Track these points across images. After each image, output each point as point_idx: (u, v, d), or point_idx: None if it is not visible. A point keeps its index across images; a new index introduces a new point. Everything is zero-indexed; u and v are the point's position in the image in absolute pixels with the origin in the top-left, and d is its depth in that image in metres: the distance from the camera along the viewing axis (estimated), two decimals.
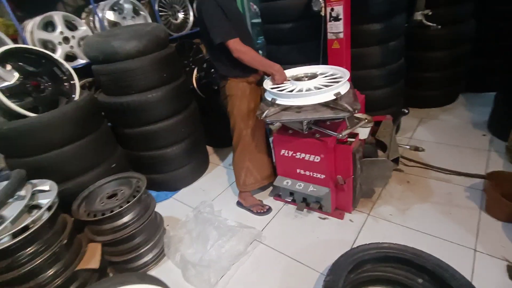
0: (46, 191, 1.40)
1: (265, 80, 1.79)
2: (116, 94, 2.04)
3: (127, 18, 2.54)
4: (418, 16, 1.74)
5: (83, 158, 1.74)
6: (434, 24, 1.76)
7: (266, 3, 2.47)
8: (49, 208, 1.31)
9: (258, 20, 3.79)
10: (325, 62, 2.09)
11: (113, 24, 2.49)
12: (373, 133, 1.98)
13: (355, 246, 1.64)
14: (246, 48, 1.62)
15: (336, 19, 1.92)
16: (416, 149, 1.92)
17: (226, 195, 2.28)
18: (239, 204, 2.13)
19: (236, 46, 1.59)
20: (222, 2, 1.56)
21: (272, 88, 1.67)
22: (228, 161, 2.72)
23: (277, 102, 1.57)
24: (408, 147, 1.95)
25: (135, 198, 1.56)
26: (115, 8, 2.49)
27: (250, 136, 1.87)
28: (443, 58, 2.74)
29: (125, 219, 1.57)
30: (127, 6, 2.52)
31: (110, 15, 2.43)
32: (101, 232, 1.53)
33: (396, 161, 1.77)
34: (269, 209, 2.02)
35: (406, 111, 1.61)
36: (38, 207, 1.33)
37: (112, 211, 1.50)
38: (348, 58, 2.07)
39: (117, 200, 1.60)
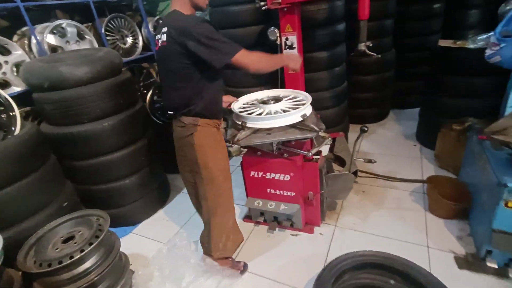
0: None
1: (233, 103, 1.83)
2: (64, 124, 1.84)
3: (71, 42, 2.35)
4: (362, 46, 2.02)
5: (27, 199, 1.50)
6: (375, 54, 2.06)
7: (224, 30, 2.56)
8: None
9: None
10: (282, 85, 2.24)
11: (54, 48, 2.27)
12: (330, 149, 2.16)
13: (328, 258, 1.73)
14: (257, 55, 1.36)
15: (291, 47, 2.11)
16: (369, 161, 2.15)
17: (194, 223, 2.18)
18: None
19: (249, 57, 1.33)
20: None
21: (240, 112, 1.71)
22: None
23: (247, 125, 1.61)
24: (362, 160, 2.17)
25: (99, 239, 1.39)
26: (56, 31, 2.28)
27: (229, 190, 1.62)
28: (374, 81, 3.19)
29: (87, 264, 1.37)
30: (71, 30, 2.33)
31: (51, 39, 2.21)
32: (58, 284, 1.31)
33: (355, 173, 1.95)
34: (245, 265, 1.76)
35: (366, 129, 1.81)
36: None
37: (72, 257, 1.31)
38: (303, 82, 2.26)
39: (75, 243, 1.40)
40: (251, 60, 1.34)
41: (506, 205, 1.35)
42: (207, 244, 1.66)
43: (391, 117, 3.54)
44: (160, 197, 2.41)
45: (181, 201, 2.46)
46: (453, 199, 1.82)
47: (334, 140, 2.27)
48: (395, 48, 3.25)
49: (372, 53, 1.95)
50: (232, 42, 1.31)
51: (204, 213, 1.62)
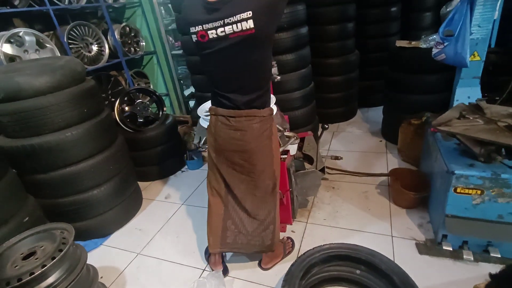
0: None
1: (200, 107, 1.84)
2: (23, 136, 1.77)
3: (30, 51, 2.27)
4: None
5: None
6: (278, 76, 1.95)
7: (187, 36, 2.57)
8: None
9: (177, 52, 3.86)
10: None
11: (11, 58, 2.18)
12: (299, 148, 2.22)
13: (300, 254, 1.77)
14: None
15: None
16: (336, 158, 2.24)
17: (167, 230, 2.16)
18: (264, 268, 1.72)
19: None
20: None
21: (206, 116, 1.73)
22: (164, 193, 2.60)
23: None
24: (329, 157, 2.25)
25: (62, 252, 1.35)
26: (12, 40, 2.20)
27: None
28: (340, 82, 3.32)
29: (50, 279, 1.32)
30: (29, 39, 2.25)
31: (8, 48, 2.13)
32: None
33: (322, 170, 2.03)
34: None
35: (326, 126, 1.89)
36: None
37: (32, 274, 1.26)
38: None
39: (36, 259, 1.35)
40: None
41: (455, 191, 1.46)
42: (270, 241, 1.56)
43: (358, 115, 3.69)
44: (132, 206, 2.36)
45: (154, 209, 2.43)
46: (415, 190, 1.94)
47: (303, 139, 2.34)
48: (358, 50, 3.41)
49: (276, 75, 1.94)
50: None
51: (265, 210, 1.53)
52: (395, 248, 1.72)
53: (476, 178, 1.41)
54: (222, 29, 1.18)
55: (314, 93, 2.95)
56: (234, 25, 1.15)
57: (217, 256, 1.67)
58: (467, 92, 1.89)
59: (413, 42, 2.53)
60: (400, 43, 2.60)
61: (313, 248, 1.48)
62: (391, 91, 2.70)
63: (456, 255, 1.58)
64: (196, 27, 1.23)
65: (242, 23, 1.14)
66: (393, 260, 1.60)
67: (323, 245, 1.50)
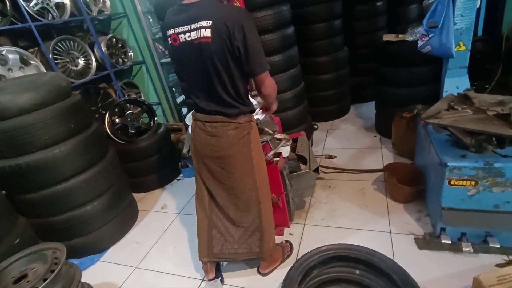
0: None
1: (187, 116, 1.82)
2: (10, 156, 1.73)
3: (14, 69, 2.24)
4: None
5: None
6: None
7: None
8: None
9: (167, 60, 3.84)
10: None
11: None
12: (293, 149, 2.20)
13: (299, 256, 1.74)
14: (273, 80, 1.33)
15: None
16: (330, 157, 2.22)
17: (164, 241, 2.13)
18: (263, 273, 1.69)
19: (270, 80, 1.30)
20: None
21: None
22: (160, 204, 2.57)
23: None
24: (323, 156, 2.23)
25: (54, 273, 1.32)
26: None
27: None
28: (331, 79, 3.31)
29: None
30: (12, 56, 2.23)
31: None
32: None
33: (316, 170, 2.01)
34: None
35: (316, 127, 1.87)
36: None
37: None
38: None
39: (28, 282, 1.32)
40: (272, 83, 1.31)
41: (449, 183, 1.45)
42: (258, 248, 1.53)
43: (352, 112, 3.68)
44: (127, 219, 2.33)
45: (151, 220, 2.40)
46: (410, 184, 1.92)
47: (296, 140, 2.32)
48: (347, 46, 3.40)
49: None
50: (264, 57, 1.23)
51: (249, 219, 1.50)
52: (394, 245, 1.70)
53: (469, 169, 1.39)
54: (189, 34, 1.19)
55: (305, 92, 2.93)
56: (198, 31, 1.16)
57: (208, 265, 1.64)
58: (455, 83, 1.88)
59: (400, 36, 2.53)
60: (387, 37, 2.59)
61: (310, 251, 1.46)
62: (381, 86, 2.69)
63: (455, 247, 1.56)
64: (170, 30, 1.25)
65: (201, 30, 1.15)
66: (392, 257, 1.59)
67: (321, 247, 1.47)
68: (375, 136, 2.97)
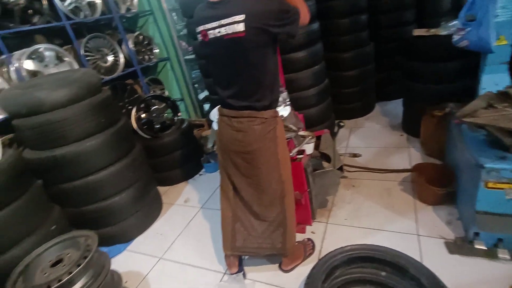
0: None
1: (212, 111, 1.84)
2: (46, 148, 1.84)
3: (50, 66, 2.36)
4: None
5: (11, 229, 1.50)
6: None
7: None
8: None
9: (190, 57, 3.90)
10: None
11: (33, 73, 2.28)
12: (316, 147, 2.17)
13: (321, 255, 1.73)
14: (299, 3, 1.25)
15: None
16: (354, 155, 2.16)
17: (187, 234, 2.18)
18: (285, 270, 1.69)
19: (302, 19, 1.23)
20: None
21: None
22: (183, 197, 2.63)
23: None
24: (347, 154, 2.18)
25: (87, 259, 1.39)
26: (34, 56, 2.30)
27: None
28: (356, 76, 3.21)
29: (77, 286, 1.37)
30: (49, 54, 2.35)
31: (29, 64, 2.22)
32: None
33: (341, 169, 1.97)
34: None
35: (342, 124, 1.82)
36: None
37: (60, 280, 1.30)
38: (283, 82, 2.27)
39: (64, 266, 1.40)
40: (304, 15, 1.24)
41: (486, 186, 1.37)
42: (281, 244, 1.53)
43: (377, 109, 3.56)
44: (153, 211, 2.41)
45: (174, 213, 2.46)
46: (440, 185, 1.84)
47: (319, 137, 2.28)
48: (373, 41, 3.29)
49: None
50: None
51: (273, 213, 1.50)
52: (422, 248, 1.63)
53: (509, 172, 1.31)
54: (219, 30, 1.20)
55: (329, 89, 2.87)
56: (228, 27, 1.17)
57: (231, 258, 1.66)
58: (494, 79, 1.76)
59: (432, 30, 2.41)
60: (418, 32, 2.48)
61: (334, 250, 1.44)
62: (409, 82, 2.58)
63: (490, 253, 1.47)
64: (200, 26, 1.28)
65: (234, 25, 1.15)
66: (420, 260, 1.53)
67: (345, 246, 1.45)
68: (401, 135, 2.86)
